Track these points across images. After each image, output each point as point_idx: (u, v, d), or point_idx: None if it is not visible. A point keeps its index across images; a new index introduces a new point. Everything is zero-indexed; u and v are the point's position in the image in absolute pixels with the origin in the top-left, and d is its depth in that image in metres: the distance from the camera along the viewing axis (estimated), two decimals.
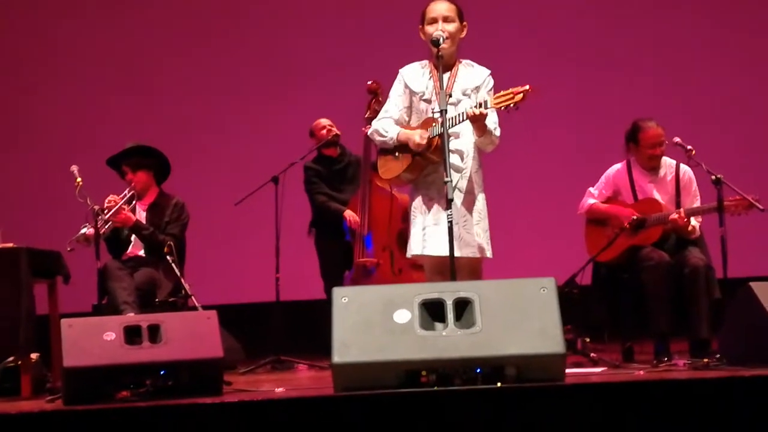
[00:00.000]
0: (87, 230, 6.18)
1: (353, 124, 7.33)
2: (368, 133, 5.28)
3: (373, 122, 5.21)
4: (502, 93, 4.85)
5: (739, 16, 9.07)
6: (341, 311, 4.20)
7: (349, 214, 7.20)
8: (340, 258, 7.27)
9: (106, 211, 6.34)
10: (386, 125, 5.11)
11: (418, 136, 4.96)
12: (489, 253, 5.05)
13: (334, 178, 7.53)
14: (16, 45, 9.42)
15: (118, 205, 6.42)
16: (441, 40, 4.94)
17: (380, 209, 7.07)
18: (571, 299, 5.82)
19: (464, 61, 5.14)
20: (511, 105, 4.81)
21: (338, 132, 7.52)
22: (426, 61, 5.15)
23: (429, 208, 5.02)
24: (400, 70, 5.19)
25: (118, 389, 4.56)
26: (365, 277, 7.00)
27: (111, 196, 6.48)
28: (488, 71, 5.13)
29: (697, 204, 6.23)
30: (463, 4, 5.13)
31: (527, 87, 4.80)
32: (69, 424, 4.17)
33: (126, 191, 6.57)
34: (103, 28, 9.32)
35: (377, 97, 6.91)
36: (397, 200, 6.94)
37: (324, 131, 7.54)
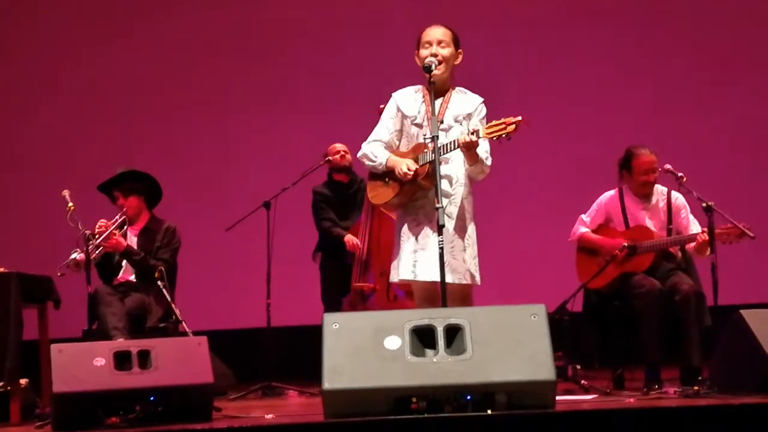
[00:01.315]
0: (78, 255, 6.17)
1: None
2: (358, 156, 5.21)
3: (363, 144, 5.15)
4: (494, 123, 4.81)
5: (731, 46, 9.11)
6: (332, 337, 4.18)
7: (348, 238, 7.18)
8: (342, 283, 7.24)
9: (97, 236, 6.34)
10: (375, 150, 5.08)
11: (405, 166, 4.91)
12: (477, 280, 5.01)
13: (341, 204, 7.51)
14: (7, 70, 9.42)
15: (109, 230, 6.42)
16: (433, 67, 4.92)
17: (379, 234, 7.04)
18: (561, 326, 5.81)
19: (458, 88, 5.12)
20: (503, 135, 4.77)
21: (341, 162, 7.44)
22: (420, 86, 5.14)
23: (417, 233, 4.98)
24: (393, 94, 5.18)
25: (108, 415, 4.53)
26: (362, 302, 6.97)
27: (102, 221, 6.47)
28: (481, 99, 5.10)
29: (693, 228, 6.21)
30: (456, 31, 5.13)
31: (519, 118, 4.76)
32: None
33: (117, 216, 6.57)
34: (95, 53, 9.32)
35: None
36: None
37: (337, 156, 7.50)
